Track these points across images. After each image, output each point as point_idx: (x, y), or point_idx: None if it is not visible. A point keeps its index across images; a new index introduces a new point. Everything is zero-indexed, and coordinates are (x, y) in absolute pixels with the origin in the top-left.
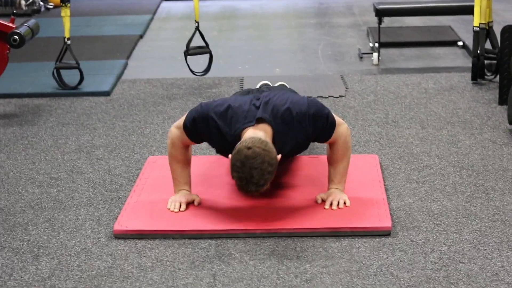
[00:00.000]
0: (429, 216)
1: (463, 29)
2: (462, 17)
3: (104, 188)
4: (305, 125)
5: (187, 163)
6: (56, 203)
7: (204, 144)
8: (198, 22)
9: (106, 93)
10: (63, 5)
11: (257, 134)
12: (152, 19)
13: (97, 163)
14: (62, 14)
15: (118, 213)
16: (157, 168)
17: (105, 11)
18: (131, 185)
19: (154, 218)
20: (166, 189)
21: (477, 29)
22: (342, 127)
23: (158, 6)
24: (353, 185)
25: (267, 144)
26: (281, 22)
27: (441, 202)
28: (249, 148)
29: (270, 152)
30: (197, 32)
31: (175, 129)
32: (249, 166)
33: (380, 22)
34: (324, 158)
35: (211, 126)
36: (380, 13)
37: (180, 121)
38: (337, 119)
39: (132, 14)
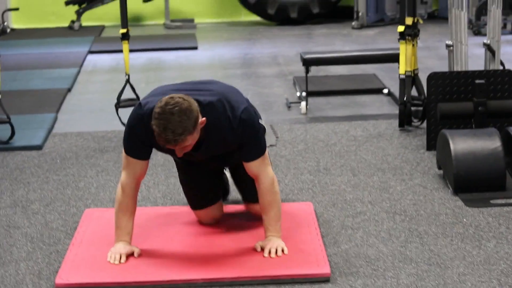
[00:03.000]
0: (366, 261)
1: (388, 76)
2: (386, 65)
3: (42, 242)
4: (235, 125)
5: (132, 213)
6: None
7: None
8: (128, 75)
9: (38, 147)
10: None
11: None
12: (79, 72)
13: (33, 217)
14: None
15: (59, 267)
16: (94, 220)
17: (31, 65)
18: (70, 238)
19: (95, 270)
20: (105, 241)
21: (403, 76)
22: (271, 169)
23: (84, 59)
24: (289, 232)
25: (189, 98)
26: (207, 73)
27: (377, 247)
28: (170, 97)
29: (190, 103)
30: (128, 84)
31: (121, 176)
32: (168, 111)
33: (307, 71)
34: (257, 206)
35: (145, 124)
36: (308, 63)
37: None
38: (268, 162)
39: (58, 68)
